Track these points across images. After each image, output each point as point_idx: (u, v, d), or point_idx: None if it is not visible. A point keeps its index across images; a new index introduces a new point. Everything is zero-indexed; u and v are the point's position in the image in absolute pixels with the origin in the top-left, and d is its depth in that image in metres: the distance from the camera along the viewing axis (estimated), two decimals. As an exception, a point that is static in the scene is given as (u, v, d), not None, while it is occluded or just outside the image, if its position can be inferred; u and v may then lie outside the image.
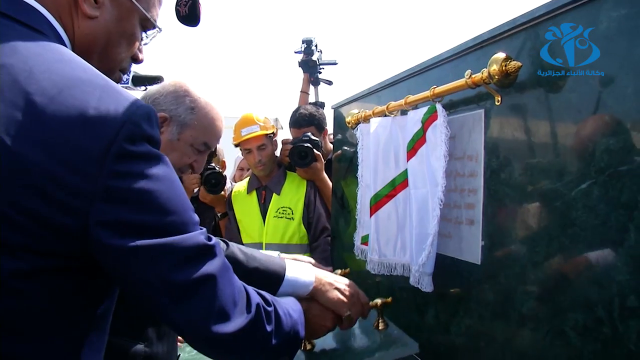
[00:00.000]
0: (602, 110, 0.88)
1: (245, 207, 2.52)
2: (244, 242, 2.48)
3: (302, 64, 3.28)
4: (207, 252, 0.76)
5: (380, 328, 1.35)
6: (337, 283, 1.19)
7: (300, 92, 3.33)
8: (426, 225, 1.31)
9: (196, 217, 0.78)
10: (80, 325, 0.72)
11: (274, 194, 2.47)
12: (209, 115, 1.28)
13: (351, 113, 1.82)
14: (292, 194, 2.48)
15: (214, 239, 0.80)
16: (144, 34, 0.93)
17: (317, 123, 2.55)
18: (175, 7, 2.18)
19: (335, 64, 3.39)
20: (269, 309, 0.88)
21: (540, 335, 1.00)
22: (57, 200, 0.62)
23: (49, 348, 0.68)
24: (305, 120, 2.53)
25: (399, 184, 1.51)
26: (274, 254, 1.27)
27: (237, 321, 0.79)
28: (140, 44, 0.92)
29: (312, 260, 1.27)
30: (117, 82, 0.85)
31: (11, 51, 0.65)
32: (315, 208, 2.46)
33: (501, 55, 1.05)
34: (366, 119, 1.68)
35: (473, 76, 1.12)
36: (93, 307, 0.74)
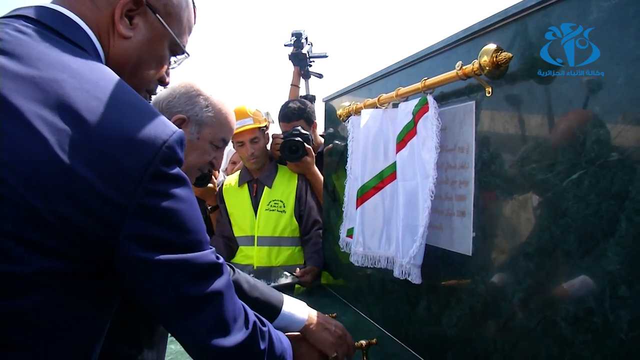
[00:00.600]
0: (592, 101, 0.88)
1: (236, 200, 2.51)
2: (235, 235, 2.47)
3: (292, 57, 3.25)
4: (216, 270, 0.81)
5: None
6: (327, 324, 1.23)
7: (291, 85, 3.30)
8: (415, 217, 1.31)
9: (207, 237, 0.82)
10: (86, 322, 0.75)
11: (266, 187, 2.46)
12: (223, 110, 1.29)
13: (342, 105, 1.81)
14: (284, 187, 2.47)
15: (221, 258, 0.85)
16: (172, 58, 0.96)
17: (306, 116, 2.54)
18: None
19: (325, 56, 3.36)
20: (264, 328, 0.93)
21: (531, 325, 1.00)
22: (95, 212, 0.66)
23: (56, 342, 0.71)
24: (295, 113, 2.53)
25: (387, 176, 1.51)
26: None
27: (236, 337, 0.83)
28: (168, 68, 0.96)
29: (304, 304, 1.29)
30: None
31: (63, 66, 0.69)
32: (306, 201, 2.46)
33: (492, 46, 1.05)
34: (357, 112, 1.67)
35: (464, 67, 1.11)
36: (100, 309, 0.78)
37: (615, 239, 0.82)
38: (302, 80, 3.33)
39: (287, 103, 2.64)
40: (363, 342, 1.31)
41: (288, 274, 2.13)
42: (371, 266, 1.52)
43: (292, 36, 3.21)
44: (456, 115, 1.25)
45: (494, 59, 1.04)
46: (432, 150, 1.24)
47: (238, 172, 2.64)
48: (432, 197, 1.24)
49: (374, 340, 1.33)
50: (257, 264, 2.36)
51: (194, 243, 0.77)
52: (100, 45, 0.80)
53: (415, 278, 1.31)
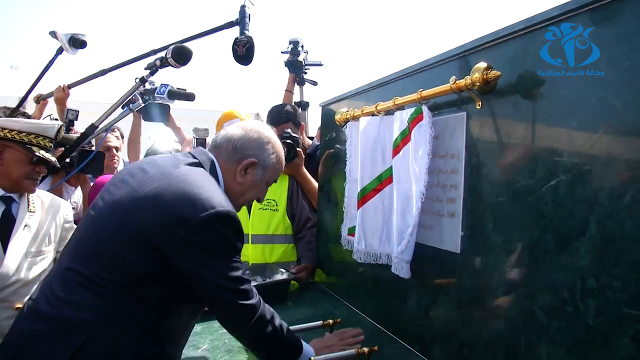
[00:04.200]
0: (570, 116, 1.00)
1: (230, 199, 2.60)
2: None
3: (288, 63, 3.37)
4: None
5: None
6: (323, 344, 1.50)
7: (285, 91, 3.42)
8: (407, 217, 1.43)
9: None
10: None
11: (259, 187, 2.56)
12: (280, 157, 1.48)
13: (340, 111, 1.91)
14: (276, 187, 2.56)
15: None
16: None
17: (294, 119, 2.66)
18: (233, 46, 2.31)
19: (320, 65, 3.49)
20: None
21: (512, 315, 1.12)
22: None
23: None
24: (283, 117, 2.64)
25: (385, 179, 1.62)
26: None
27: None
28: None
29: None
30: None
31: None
32: (298, 200, 2.56)
33: (483, 64, 1.17)
34: (355, 118, 1.78)
35: (457, 82, 1.23)
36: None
37: (586, 238, 0.94)
38: (296, 87, 3.44)
39: (275, 107, 2.76)
40: (365, 349, 1.40)
41: (283, 270, 2.23)
42: (372, 262, 1.64)
43: (290, 44, 3.34)
44: (448, 125, 1.37)
45: (485, 76, 1.16)
46: (424, 156, 1.35)
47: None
48: (422, 199, 1.35)
49: (375, 347, 1.42)
50: (252, 261, 2.45)
51: None
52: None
53: (405, 273, 1.42)
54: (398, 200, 1.48)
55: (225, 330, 1.38)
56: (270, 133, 1.47)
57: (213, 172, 1.35)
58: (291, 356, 1.36)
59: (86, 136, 2.28)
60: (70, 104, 2.91)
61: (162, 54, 2.17)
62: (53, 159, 1.85)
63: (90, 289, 1.17)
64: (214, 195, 1.22)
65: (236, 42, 2.31)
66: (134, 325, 1.19)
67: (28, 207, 1.84)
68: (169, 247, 1.18)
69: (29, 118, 2.32)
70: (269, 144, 1.43)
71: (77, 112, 2.66)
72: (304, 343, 1.39)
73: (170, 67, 2.14)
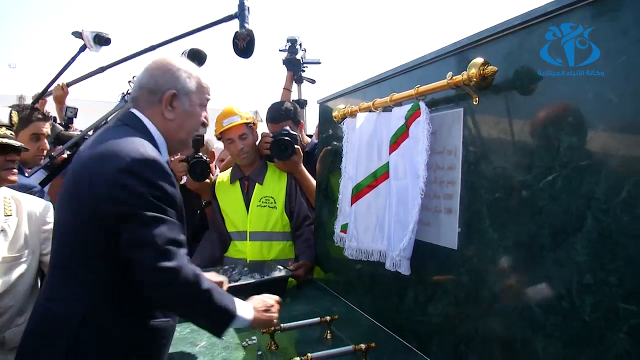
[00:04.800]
0: (566, 111, 0.99)
1: (229, 197, 2.59)
2: (228, 230, 2.56)
3: (286, 62, 3.37)
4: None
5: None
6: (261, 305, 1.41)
7: (283, 89, 3.42)
8: (406, 214, 1.42)
9: None
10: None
11: (257, 184, 2.55)
12: (200, 75, 1.43)
13: (338, 108, 1.91)
14: (275, 184, 2.56)
15: None
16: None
17: (293, 117, 2.66)
18: (233, 40, 2.30)
19: (318, 63, 3.49)
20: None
21: (509, 311, 1.12)
22: None
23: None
24: (283, 115, 2.64)
25: (381, 175, 1.62)
26: None
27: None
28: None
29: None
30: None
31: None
32: (296, 197, 2.56)
33: (479, 60, 1.17)
34: (352, 114, 1.78)
35: (454, 77, 1.22)
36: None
37: (583, 233, 0.94)
38: (294, 85, 3.44)
39: (274, 104, 2.76)
40: (363, 345, 1.39)
41: (282, 267, 2.22)
42: (365, 259, 1.63)
43: (287, 42, 3.34)
44: (445, 121, 1.37)
45: (481, 72, 1.15)
46: (423, 152, 1.35)
47: (230, 169, 2.72)
48: (422, 195, 1.35)
49: (372, 344, 1.40)
50: (250, 258, 2.45)
51: None
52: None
53: (405, 270, 1.42)
54: (395, 196, 1.47)
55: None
56: (177, 60, 1.42)
57: (139, 126, 1.32)
58: (222, 322, 1.26)
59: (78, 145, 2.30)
60: (71, 102, 2.91)
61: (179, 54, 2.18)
62: (17, 143, 1.78)
63: (77, 281, 1.19)
64: (130, 147, 1.20)
65: (236, 36, 2.31)
66: (125, 310, 1.20)
67: (4, 210, 1.77)
68: (106, 214, 1.15)
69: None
70: (179, 71, 1.37)
71: (75, 109, 2.66)
72: (241, 303, 1.31)
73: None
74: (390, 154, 1.52)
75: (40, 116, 2.31)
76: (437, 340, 1.40)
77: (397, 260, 1.44)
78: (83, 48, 2.63)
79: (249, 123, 2.57)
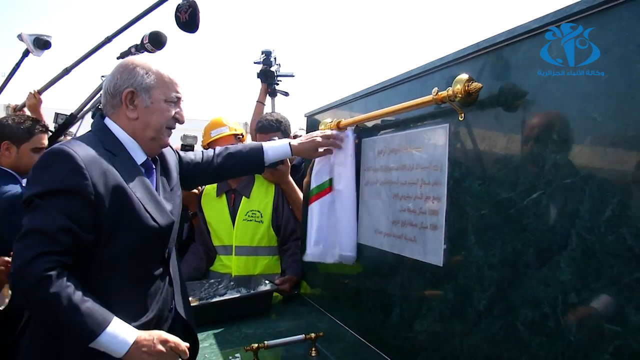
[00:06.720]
0: (550, 129, 0.99)
1: (214, 210, 2.56)
2: (214, 244, 2.52)
3: (260, 74, 3.37)
4: None
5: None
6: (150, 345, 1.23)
7: (257, 102, 3.42)
8: (348, 218, 1.74)
9: None
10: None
11: (244, 197, 2.52)
12: (161, 70, 1.38)
13: (324, 122, 1.91)
14: (261, 198, 2.53)
15: None
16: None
17: (283, 129, 2.65)
18: (175, 14, 2.21)
19: (292, 76, 3.50)
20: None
21: (494, 329, 1.11)
22: None
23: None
24: (273, 126, 2.63)
25: (327, 187, 1.86)
26: None
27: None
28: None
29: None
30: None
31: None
32: (283, 212, 2.53)
33: (464, 76, 1.16)
34: (342, 128, 1.80)
35: (439, 93, 1.22)
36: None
37: (567, 252, 0.93)
38: (268, 98, 3.45)
39: (264, 115, 2.77)
40: (312, 334, 1.53)
41: (267, 282, 2.19)
42: (319, 262, 1.85)
43: (262, 54, 3.34)
44: (431, 136, 1.36)
45: (466, 88, 1.15)
46: (353, 167, 1.73)
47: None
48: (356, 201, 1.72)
49: (320, 333, 1.55)
50: (235, 273, 2.41)
51: None
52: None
53: (351, 261, 1.72)
54: (338, 205, 1.80)
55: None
56: (136, 58, 1.40)
57: (103, 130, 1.33)
58: (83, 338, 1.13)
59: (66, 126, 2.27)
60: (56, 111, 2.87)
61: (137, 41, 2.11)
62: None
63: None
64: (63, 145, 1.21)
65: (178, 9, 2.19)
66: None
67: None
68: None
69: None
70: (136, 68, 1.35)
71: (65, 116, 2.62)
72: (117, 331, 1.15)
73: (146, 54, 2.11)
74: (334, 167, 1.83)
75: (41, 128, 2.32)
76: (423, 357, 1.38)
77: (348, 259, 1.74)
78: (27, 53, 2.60)
79: (238, 134, 2.56)
